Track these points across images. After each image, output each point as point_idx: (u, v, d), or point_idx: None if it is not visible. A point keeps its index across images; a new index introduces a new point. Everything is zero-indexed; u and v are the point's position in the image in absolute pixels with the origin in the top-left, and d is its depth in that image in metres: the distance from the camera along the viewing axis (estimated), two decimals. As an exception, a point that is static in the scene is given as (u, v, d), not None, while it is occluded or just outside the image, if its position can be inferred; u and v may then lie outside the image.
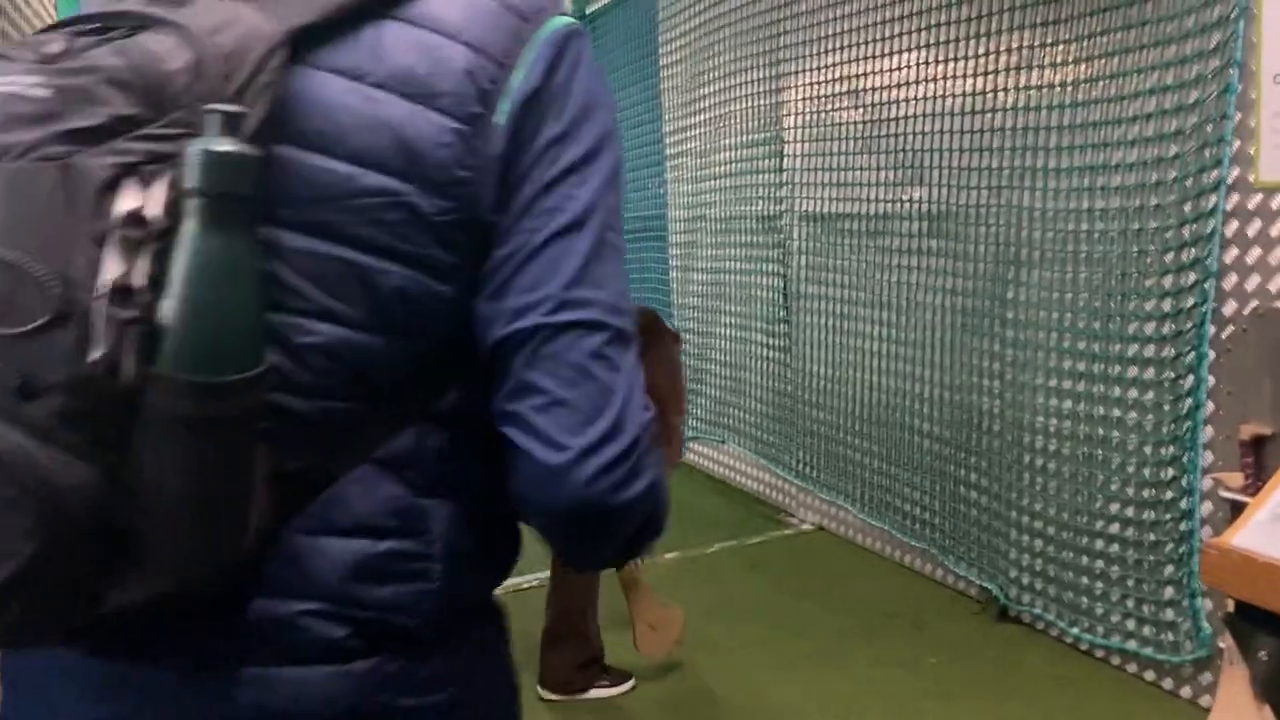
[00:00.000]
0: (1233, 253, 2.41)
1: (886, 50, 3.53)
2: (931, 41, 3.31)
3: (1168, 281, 2.56)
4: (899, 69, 3.49)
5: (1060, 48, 2.84)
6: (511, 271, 0.74)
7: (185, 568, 0.68)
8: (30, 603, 0.65)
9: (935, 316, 3.42)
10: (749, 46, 4.33)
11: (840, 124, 3.81)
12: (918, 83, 3.40)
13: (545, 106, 0.74)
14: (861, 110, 3.70)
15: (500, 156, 0.73)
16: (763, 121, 4.30)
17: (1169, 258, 2.55)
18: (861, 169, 3.71)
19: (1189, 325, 2.51)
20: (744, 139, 4.44)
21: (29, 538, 0.62)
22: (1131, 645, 2.74)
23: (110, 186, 0.62)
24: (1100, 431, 2.79)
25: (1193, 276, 2.50)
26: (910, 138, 3.46)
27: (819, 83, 3.90)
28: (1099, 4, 2.70)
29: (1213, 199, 2.43)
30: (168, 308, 0.63)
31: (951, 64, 3.24)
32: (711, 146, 4.72)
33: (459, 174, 0.72)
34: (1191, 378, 2.51)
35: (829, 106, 3.87)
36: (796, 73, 4.03)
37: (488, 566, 0.84)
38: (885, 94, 3.56)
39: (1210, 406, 2.48)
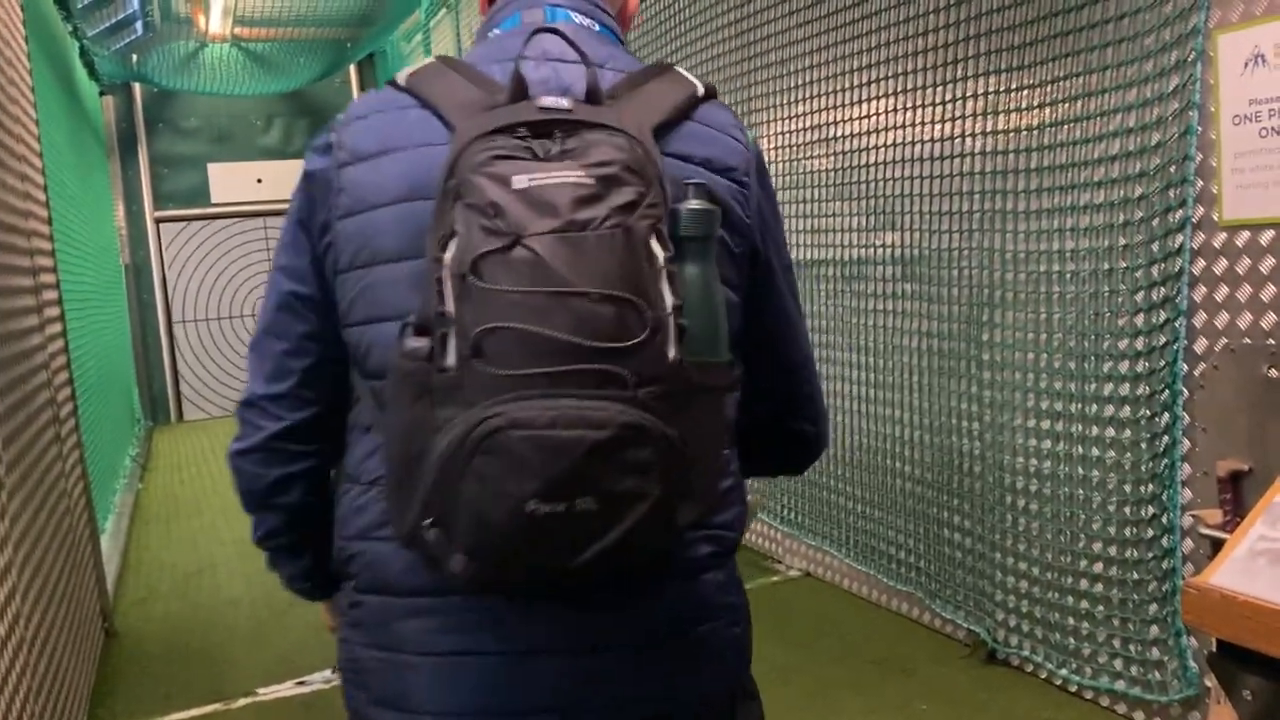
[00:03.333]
0: (1201, 291, 2.43)
1: (857, 99, 3.58)
2: (900, 89, 3.36)
3: (1139, 320, 2.59)
4: (869, 117, 3.53)
5: (1025, 93, 2.88)
6: (784, 329, 1.13)
7: (710, 497, 0.99)
8: (644, 532, 0.89)
9: (913, 359, 3.43)
10: (721, 98, 4.38)
11: (813, 172, 3.86)
12: (888, 130, 3.45)
13: (759, 183, 1.10)
14: (833, 158, 3.74)
15: (756, 212, 1.08)
16: (737, 170, 4.34)
17: (1140, 297, 2.58)
18: (835, 215, 3.75)
19: (1162, 363, 2.53)
20: (720, 188, 4.47)
21: (658, 482, 0.88)
22: (1119, 686, 2.72)
23: (647, 240, 0.89)
24: (1080, 471, 2.79)
25: (1163, 315, 2.52)
26: (882, 184, 3.50)
27: (791, 132, 3.95)
28: (1061, 50, 2.75)
29: (1179, 238, 2.46)
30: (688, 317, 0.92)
31: (920, 110, 3.29)
32: (688, 196, 4.75)
33: (746, 219, 1.06)
34: (1167, 415, 2.52)
35: (802, 155, 3.91)
36: (769, 122, 4.08)
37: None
38: (856, 141, 3.61)
39: (1186, 444, 2.49)
